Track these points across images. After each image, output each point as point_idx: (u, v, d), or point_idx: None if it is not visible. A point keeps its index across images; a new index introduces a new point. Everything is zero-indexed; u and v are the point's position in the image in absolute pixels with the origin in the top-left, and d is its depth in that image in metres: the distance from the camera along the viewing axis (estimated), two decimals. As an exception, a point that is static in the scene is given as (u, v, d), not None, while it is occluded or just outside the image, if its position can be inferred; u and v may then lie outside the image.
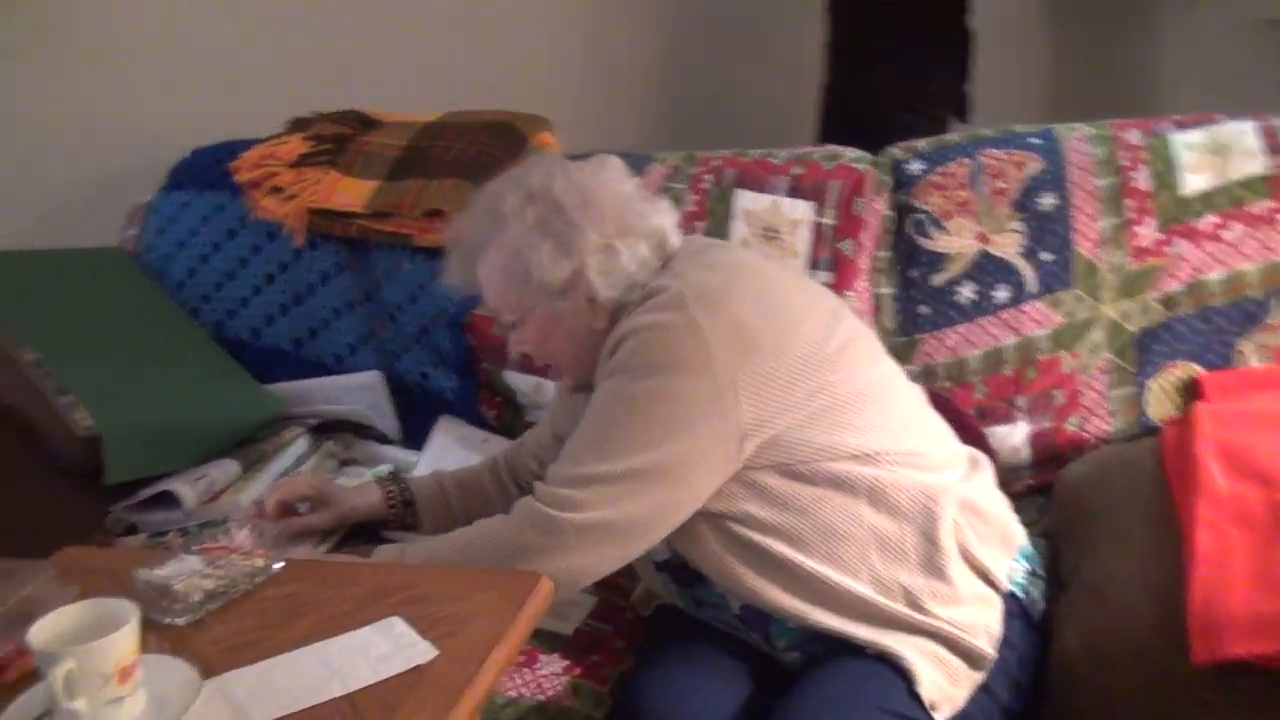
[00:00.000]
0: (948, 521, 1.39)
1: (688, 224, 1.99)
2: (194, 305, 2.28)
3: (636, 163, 2.06)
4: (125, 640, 1.05)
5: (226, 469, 1.95)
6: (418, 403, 2.15)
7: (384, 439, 2.16)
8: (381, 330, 2.17)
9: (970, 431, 1.77)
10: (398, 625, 1.20)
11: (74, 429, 1.85)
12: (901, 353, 1.87)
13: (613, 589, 1.71)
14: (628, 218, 1.49)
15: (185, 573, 1.28)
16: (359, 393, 2.14)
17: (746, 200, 1.99)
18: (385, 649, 1.16)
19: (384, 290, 2.18)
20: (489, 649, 1.15)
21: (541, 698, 1.51)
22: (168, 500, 1.87)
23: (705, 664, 1.45)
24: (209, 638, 1.22)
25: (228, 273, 2.27)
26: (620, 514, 1.35)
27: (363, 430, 2.17)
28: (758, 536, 1.38)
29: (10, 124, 2.45)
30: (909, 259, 1.92)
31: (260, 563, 1.34)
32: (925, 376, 1.85)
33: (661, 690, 1.41)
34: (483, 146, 2.17)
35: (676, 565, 1.47)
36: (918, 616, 1.36)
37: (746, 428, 1.36)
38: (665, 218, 1.53)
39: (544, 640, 1.61)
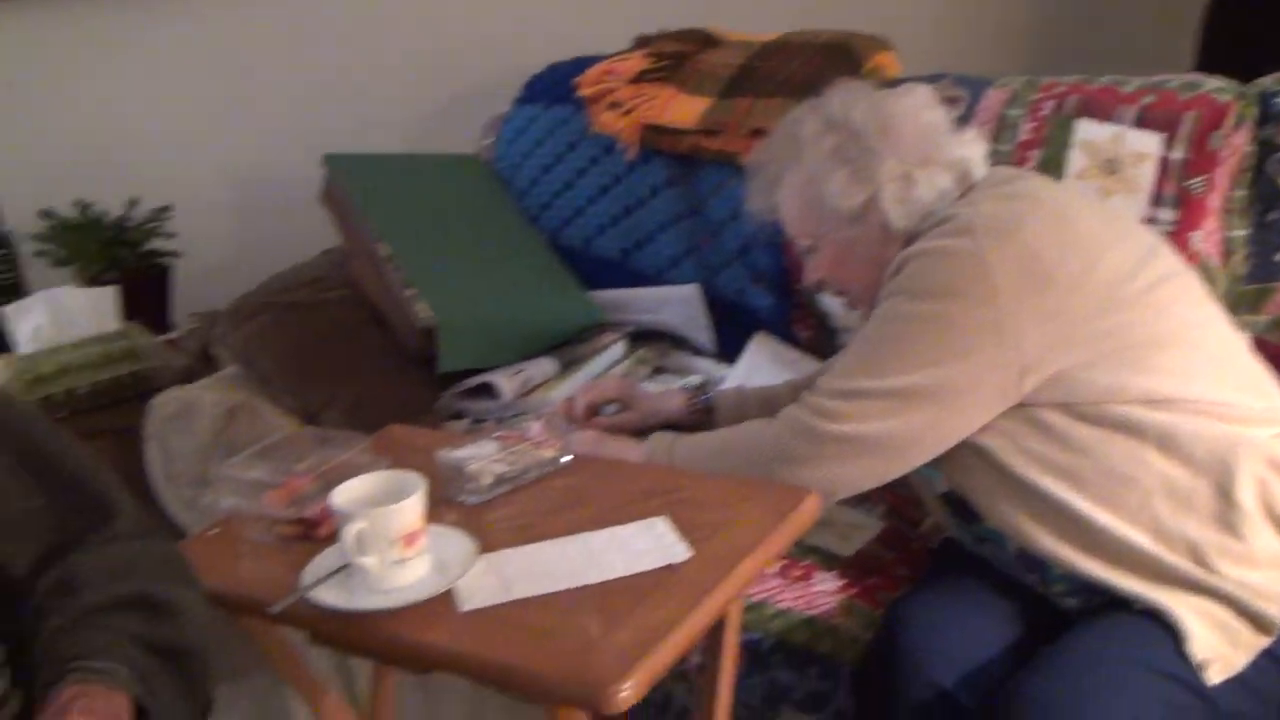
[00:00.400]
0: (1248, 477, 1.29)
1: (1021, 153, 1.90)
2: (534, 213, 2.40)
3: (973, 87, 1.99)
4: (410, 509, 1.16)
5: (544, 367, 2.08)
6: (733, 318, 2.18)
7: (698, 351, 2.22)
8: (704, 245, 2.22)
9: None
10: (660, 525, 1.25)
11: (414, 320, 2.02)
12: (1251, 301, 1.73)
13: (902, 518, 1.70)
14: (929, 148, 1.46)
15: (480, 457, 1.38)
16: (677, 305, 2.20)
17: (1088, 130, 1.87)
18: (645, 545, 1.22)
19: (709, 207, 2.21)
20: (741, 557, 1.19)
21: (812, 613, 1.54)
22: (488, 391, 2.02)
23: (977, 600, 1.42)
24: (493, 517, 1.33)
25: (566, 182, 2.37)
26: (881, 430, 1.35)
27: (679, 341, 2.24)
28: (1032, 474, 1.33)
29: (394, 42, 2.68)
30: (1269, 200, 1.76)
31: (549, 454, 1.43)
32: (1275, 328, 1.70)
33: (926, 620, 1.39)
34: (815, 67, 2.15)
35: (955, 499, 1.44)
36: (1200, 573, 1.27)
37: (1029, 362, 1.31)
38: (971, 149, 1.49)
39: (823, 558, 1.62)
